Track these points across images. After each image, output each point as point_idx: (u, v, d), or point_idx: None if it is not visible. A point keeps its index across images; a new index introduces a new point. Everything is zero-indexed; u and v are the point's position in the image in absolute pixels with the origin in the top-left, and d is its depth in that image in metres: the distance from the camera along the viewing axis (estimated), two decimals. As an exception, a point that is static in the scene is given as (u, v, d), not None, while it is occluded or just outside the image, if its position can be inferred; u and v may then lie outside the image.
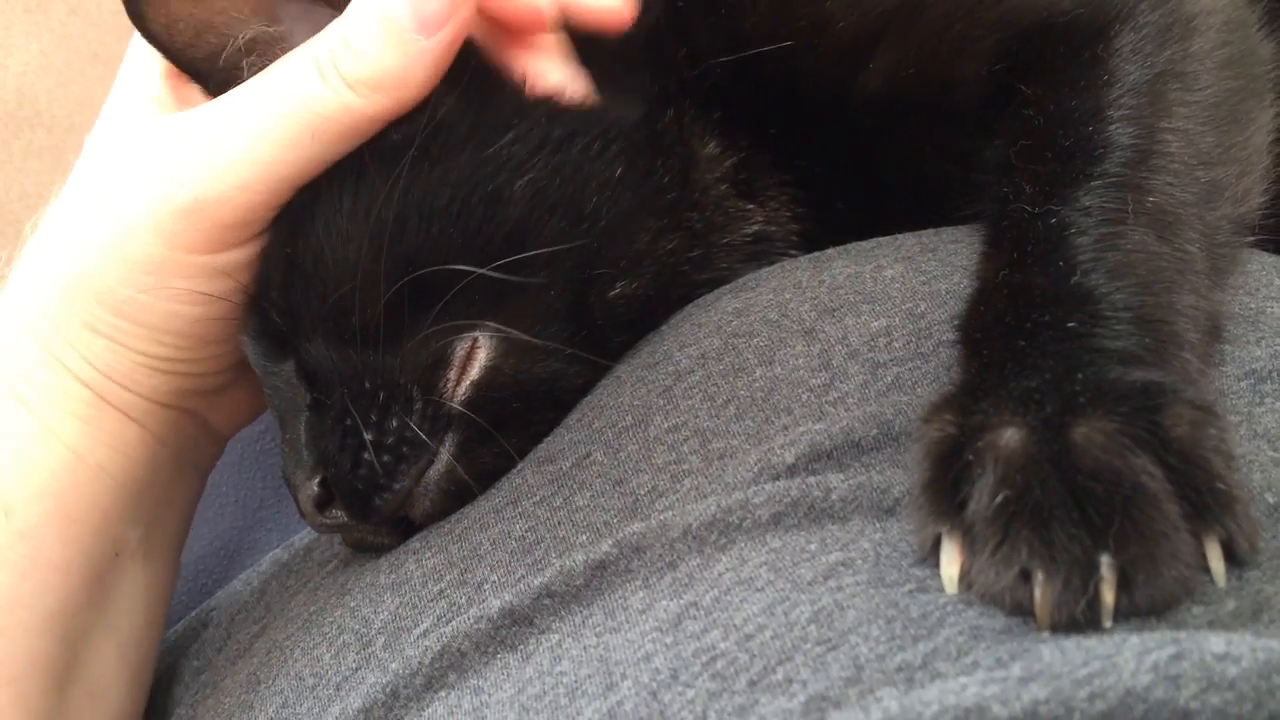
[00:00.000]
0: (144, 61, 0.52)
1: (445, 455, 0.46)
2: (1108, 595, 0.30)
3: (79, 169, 0.52)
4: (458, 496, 0.46)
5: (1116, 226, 0.40)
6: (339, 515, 0.47)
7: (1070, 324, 0.37)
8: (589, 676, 0.34)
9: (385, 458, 0.45)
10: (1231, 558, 0.32)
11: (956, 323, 0.41)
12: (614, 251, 0.48)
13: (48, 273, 0.50)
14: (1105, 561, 0.30)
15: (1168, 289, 0.39)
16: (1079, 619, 0.30)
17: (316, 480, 0.46)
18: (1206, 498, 0.31)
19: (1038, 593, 0.30)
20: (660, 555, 0.37)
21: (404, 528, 0.47)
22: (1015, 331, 0.37)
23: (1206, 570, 0.31)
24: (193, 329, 0.50)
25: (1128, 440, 0.32)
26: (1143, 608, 0.30)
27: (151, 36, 0.49)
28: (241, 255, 0.49)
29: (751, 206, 0.53)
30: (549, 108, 0.49)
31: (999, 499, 0.32)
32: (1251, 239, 0.47)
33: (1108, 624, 0.30)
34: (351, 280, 0.46)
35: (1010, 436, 0.33)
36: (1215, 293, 0.42)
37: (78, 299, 0.49)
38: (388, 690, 0.38)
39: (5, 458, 0.49)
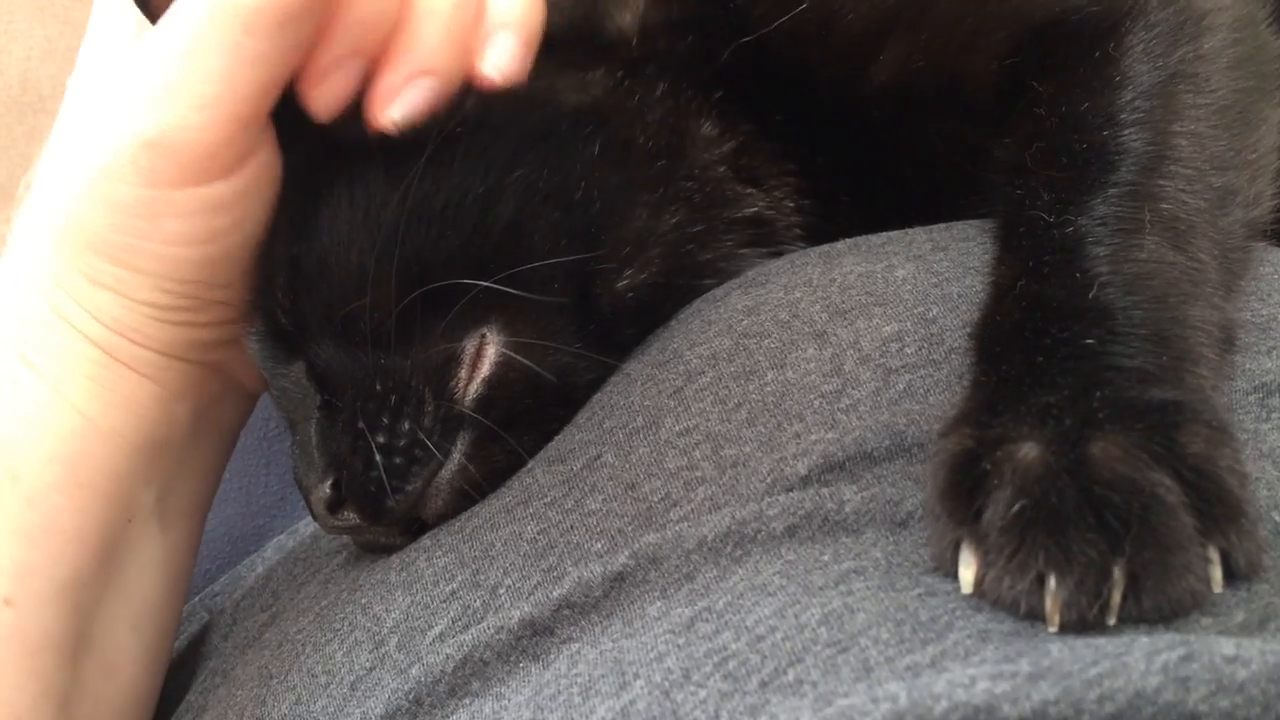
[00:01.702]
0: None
1: (458, 455, 0.46)
2: (1115, 596, 0.30)
3: (61, 113, 0.50)
4: (470, 496, 0.46)
5: (1132, 237, 0.40)
6: (351, 517, 0.46)
7: (1088, 340, 0.37)
8: (602, 676, 0.34)
9: (398, 459, 0.45)
10: (1230, 573, 0.32)
11: (970, 331, 0.41)
12: (614, 235, 0.48)
13: (43, 226, 0.48)
14: (1120, 565, 0.30)
15: (1182, 301, 0.39)
16: (1089, 620, 0.30)
17: (329, 482, 0.46)
18: (1215, 509, 0.32)
19: (1049, 594, 0.30)
20: (677, 567, 0.37)
21: (415, 528, 0.47)
22: (1033, 347, 0.37)
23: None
24: (196, 274, 0.48)
25: (1145, 455, 0.32)
26: (1149, 613, 0.30)
27: None
28: (230, 187, 0.46)
29: (751, 191, 0.53)
30: (517, 102, 0.48)
31: (1016, 508, 0.32)
32: (1264, 243, 0.47)
33: (1111, 621, 0.30)
34: (361, 286, 0.45)
35: (1028, 450, 0.33)
36: (1228, 300, 0.42)
37: (73, 251, 0.47)
38: (410, 696, 0.38)
39: (13, 424, 0.47)
